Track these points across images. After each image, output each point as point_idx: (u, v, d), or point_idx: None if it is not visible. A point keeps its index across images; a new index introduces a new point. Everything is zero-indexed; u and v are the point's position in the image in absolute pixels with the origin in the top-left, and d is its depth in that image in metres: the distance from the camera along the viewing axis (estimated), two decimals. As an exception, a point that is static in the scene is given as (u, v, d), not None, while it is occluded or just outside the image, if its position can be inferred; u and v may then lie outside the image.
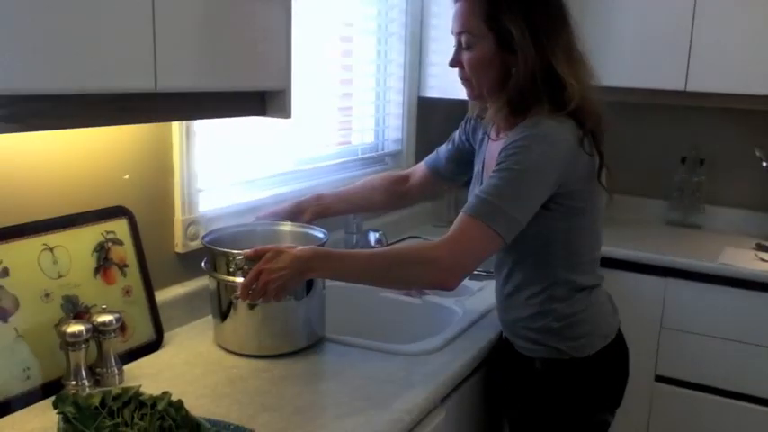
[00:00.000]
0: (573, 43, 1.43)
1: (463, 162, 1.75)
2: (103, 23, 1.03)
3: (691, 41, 2.54)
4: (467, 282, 2.07)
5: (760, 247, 2.57)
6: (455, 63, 1.49)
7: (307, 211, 1.77)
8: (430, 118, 2.67)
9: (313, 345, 1.57)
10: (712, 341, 2.40)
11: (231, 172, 1.88)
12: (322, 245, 1.54)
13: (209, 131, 1.76)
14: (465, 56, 1.46)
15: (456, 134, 1.77)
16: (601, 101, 1.44)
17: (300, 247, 1.39)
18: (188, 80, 1.20)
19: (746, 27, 2.46)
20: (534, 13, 1.39)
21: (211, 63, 1.23)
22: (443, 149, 1.80)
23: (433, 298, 1.93)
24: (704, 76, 2.53)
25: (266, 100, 1.41)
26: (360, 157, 2.44)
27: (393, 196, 1.88)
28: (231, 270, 1.47)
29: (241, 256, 1.43)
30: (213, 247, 1.52)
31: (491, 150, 1.54)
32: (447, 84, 2.57)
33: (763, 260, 2.42)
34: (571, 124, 1.39)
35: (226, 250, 1.49)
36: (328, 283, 1.62)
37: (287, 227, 1.72)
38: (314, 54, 2.13)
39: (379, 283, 1.48)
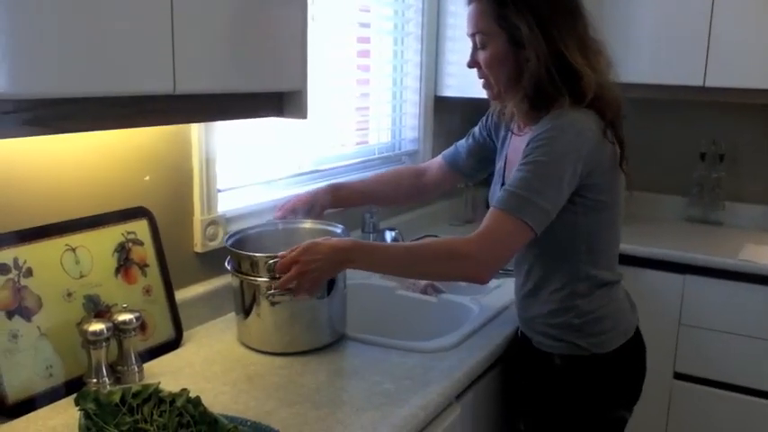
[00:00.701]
0: (587, 34, 1.45)
1: (483, 158, 1.76)
2: (124, 27, 1.06)
3: (709, 37, 2.52)
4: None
5: (780, 244, 2.55)
6: (472, 63, 1.52)
7: (323, 204, 1.76)
8: (447, 117, 2.68)
9: (334, 342, 1.59)
10: (731, 338, 2.38)
11: (250, 172, 1.91)
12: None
13: (228, 132, 1.78)
14: (480, 55, 1.48)
15: (476, 129, 1.78)
16: (619, 88, 1.46)
17: (337, 239, 1.42)
18: (206, 82, 1.22)
19: (764, 22, 2.43)
20: (543, 8, 1.40)
21: (229, 65, 1.25)
22: (463, 144, 1.81)
23: (450, 296, 1.93)
24: (722, 72, 2.51)
25: (283, 101, 1.43)
26: (377, 156, 2.45)
27: (409, 190, 1.89)
28: (255, 271, 1.48)
29: (274, 260, 1.42)
30: (236, 250, 1.53)
31: (515, 146, 1.56)
32: (464, 83, 2.57)
33: (783, 256, 2.40)
34: (593, 115, 1.41)
35: (255, 254, 1.49)
36: (349, 281, 1.64)
37: (307, 224, 1.74)
38: (331, 55, 2.15)
39: (414, 275, 1.50)
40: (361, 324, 1.71)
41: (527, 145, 1.40)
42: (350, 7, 2.22)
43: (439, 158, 1.86)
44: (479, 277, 1.38)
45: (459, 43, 2.56)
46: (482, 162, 1.77)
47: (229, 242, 1.57)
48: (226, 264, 1.56)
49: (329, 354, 1.54)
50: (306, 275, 1.37)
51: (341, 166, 2.26)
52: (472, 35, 1.49)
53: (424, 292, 1.97)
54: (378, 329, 1.70)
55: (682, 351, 2.45)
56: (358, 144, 2.41)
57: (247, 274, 1.51)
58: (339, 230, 1.67)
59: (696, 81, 2.54)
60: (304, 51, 1.40)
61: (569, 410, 1.55)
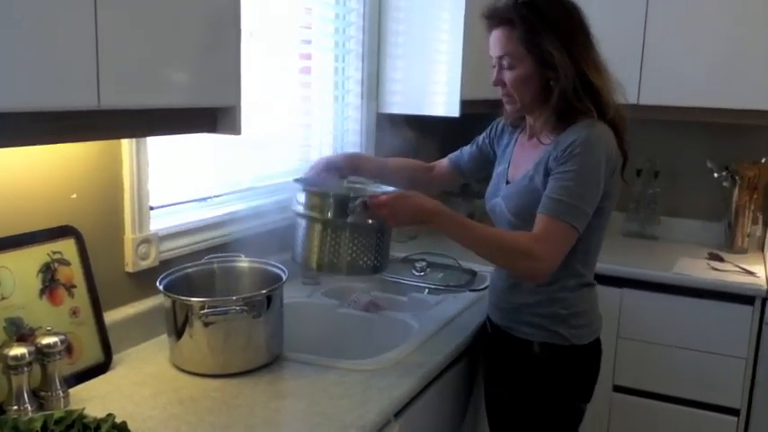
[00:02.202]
0: (599, 56, 1.60)
1: (482, 162, 1.90)
2: (43, 39, 1.02)
3: (642, 56, 2.60)
4: (425, 296, 2.08)
5: (712, 257, 2.62)
6: (498, 82, 1.63)
7: (348, 166, 1.86)
8: (390, 134, 2.67)
9: (269, 363, 1.56)
10: (668, 350, 2.43)
11: (185, 189, 1.86)
12: (281, 283, 1.60)
13: (162, 147, 1.74)
14: (507, 75, 1.60)
15: (480, 138, 1.92)
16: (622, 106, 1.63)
17: (428, 200, 1.54)
18: (133, 97, 1.19)
19: (696, 42, 2.52)
20: (566, 32, 1.55)
21: (157, 79, 1.22)
22: (467, 150, 1.95)
23: (391, 313, 1.93)
24: (656, 90, 2.59)
25: (217, 117, 1.40)
26: (318, 173, 2.43)
27: (420, 181, 1.98)
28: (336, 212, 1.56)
29: (359, 200, 1.53)
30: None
31: (523, 152, 1.70)
32: (407, 100, 2.59)
33: (714, 269, 2.47)
34: (609, 128, 1.57)
35: (339, 193, 1.60)
36: (288, 299, 1.62)
37: (245, 263, 1.73)
38: (272, 71, 2.13)
39: (483, 256, 1.59)
40: (301, 343, 1.69)
41: (561, 152, 1.52)
42: (291, 24, 2.21)
43: (445, 159, 2.00)
44: (541, 277, 1.55)
45: (401, 61, 2.58)
46: (481, 165, 1.91)
47: (163, 283, 1.54)
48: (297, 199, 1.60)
49: (265, 375, 1.51)
50: (392, 216, 1.53)
51: (281, 183, 2.23)
52: (499, 57, 1.60)
53: (366, 309, 1.96)
54: (319, 348, 1.68)
55: (620, 364, 2.50)
56: (300, 161, 2.38)
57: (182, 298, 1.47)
58: (279, 271, 1.66)
59: (630, 99, 2.60)
60: (238, 67, 1.38)
61: (542, 398, 1.65)
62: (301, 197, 1.62)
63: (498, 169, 1.78)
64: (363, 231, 1.58)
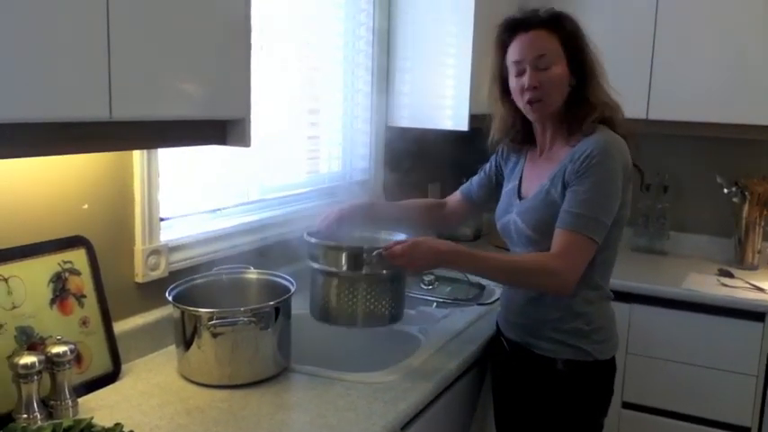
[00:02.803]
0: (605, 72, 1.64)
1: (493, 188, 1.89)
2: (57, 51, 1.03)
3: (651, 71, 2.60)
4: (433, 309, 2.08)
5: (722, 273, 2.61)
6: (534, 83, 1.60)
7: (358, 217, 1.86)
8: (398, 147, 2.69)
9: (277, 375, 1.56)
10: (677, 366, 2.42)
11: (195, 201, 1.88)
12: (290, 294, 1.61)
13: (172, 159, 1.76)
14: (543, 76, 1.59)
15: (488, 165, 1.92)
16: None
17: (442, 243, 1.57)
18: (145, 109, 1.20)
19: (704, 57, 2.53)
20: (590, 45, 1.61)
21: (169, 91, 1.24)
22: (476, 179, 1.95)
23: (397, 326, 1.92)
24: (665, 105, 2.59)
25: (227, 129, 1.42)
26: (327, 185, 2.45)
27: (434, 219, 2.01)
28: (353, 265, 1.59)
29: (375, 252, 1.54)
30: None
31: (536, 167, 1.70)
32: (416, 114, 2.60)
33: (724, 285, 2.45)
34: (624, 140, 1.60)
35: (356, 245, 1.61)
36: (295, 311, 1.62)
37: (253, 275, 1.74)
38: (282, 83, 2.14)
39: (507, 284, 1.67)
40: (308, 355, 1.68)
41: (577, 162, 1.53)
42: (300, 37, 2.22)
43: (457, 193, 2.01)
44: (567, 291, 1.54)
45: (410, 74, 2.59)
46: (491, 192, 1.90)
47: (172, 294, 1.55)
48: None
49: (272, 386, 1.52)
50: (409, 264, 1.56)
51: (290, 195, 2.24)
52: (536, 58, 1.59)
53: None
54: (325, 361, 1.68)
55: (629, 380, 2.48)
56: (308, 173, 2.40)
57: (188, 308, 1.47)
58: (287, 282, 1.67)
59: (639, 114, 2.62)
60: (248, 80, 1.39)
61: (566, 415, 1.64)
62: (315, 251, 1.63)
63: (508, 187, 1.78)
64: (379, 282, 1.59)
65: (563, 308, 1.62)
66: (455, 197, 1.99)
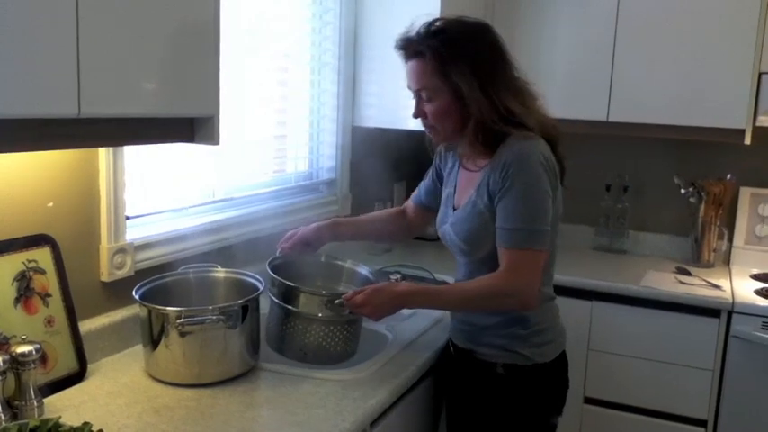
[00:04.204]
0: (514, 76, 1.58)
1: (439, 192, 1.84)
2: (24, 47, 1.02)
3: (611, 75, 2.66)
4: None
5: (679, 270, 2.68)
6: (418, 114, 1.61)
7: (325, 237, 1.86)
8: (364, 147, 2.70)
9: (245, 373, 1.56)
10: (637, 362, 2.48)
11: (161, 199, 1.86)
12: (258, 293, 1.60)
13: (139, 157, 1.74)
14: (427, 107, 1.58)
15: (431, 170, 1.88)
16: (550, 117, 1.62)
17: (399, 285, 1.62)
18: (113, 106, 1.20)
19: (663, 61, 2.59)
20: (479, 62, 1.52)
21: (137, 89, 1.23)
22: (423, 185, 1.91)
23: (366, 323, 1.93)
24: (624, 108, 2.65)
25: (195, 126, 1.42)
26: (294, 185, 2.45)
27: (398, 229, 1.99)
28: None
29: (338, 300, 1.56)
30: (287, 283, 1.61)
31: (466, 176, 1.67)
32: (381, 114, 2.62)
33: (682, 282, 2.52)
34: (541, 139, 1.55)
35: (314, 291, 1.63)
36: (262, 310, 1.62)
37: (221, 273, 1.74)
38: (250, 82, 2.14)
39: (470, 312, 1.67)
40: (277, 353, 1.68)
41: (496, 175, 1.51)
42: (268, 37, 2.22)
43: (410, 201, 1.97)
44: (529, 306, 1.54)
45: (376, 75, 2.60)
46: (438, 196, 1.84)
47: (139, 293, 1.53)
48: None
49: (240, 385, 1.52)
50: (372, 313, 1.56)
51: (256, 195, 2.24)
52: (417, 90, 1.58)
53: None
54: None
55: (591, 375, 2.53)
56: (275, 172, 2.40)
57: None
58: (255, 281, 1.67)
59: (600, 116, 2.68)
60: (216, 78, 1.39)
61: (511, 418, 1.63)
62: (274, 286, 1.62)
63: (445, 193, 1.76)
64: (336, 324, 1.60)
65: (500, 313, 1.61)
66: (409, 205, 1.96)
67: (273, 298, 1.63)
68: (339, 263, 1.85)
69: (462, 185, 1.68)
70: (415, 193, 1.95)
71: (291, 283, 1.60)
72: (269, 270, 1.65)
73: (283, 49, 2.35)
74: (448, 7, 2.45)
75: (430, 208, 1.89)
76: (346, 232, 1.92)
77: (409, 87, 1.60)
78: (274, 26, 2.25)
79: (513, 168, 1.49)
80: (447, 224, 1.68)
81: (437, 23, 1.56)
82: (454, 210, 1.67)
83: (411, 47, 1.56)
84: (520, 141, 1.52)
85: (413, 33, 1.57)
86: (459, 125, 1.57)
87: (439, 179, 1.84)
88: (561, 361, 1.68)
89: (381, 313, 1.58)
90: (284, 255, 1.79)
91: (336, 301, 1.56)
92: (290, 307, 1.59)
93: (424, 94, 1.57)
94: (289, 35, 2.35)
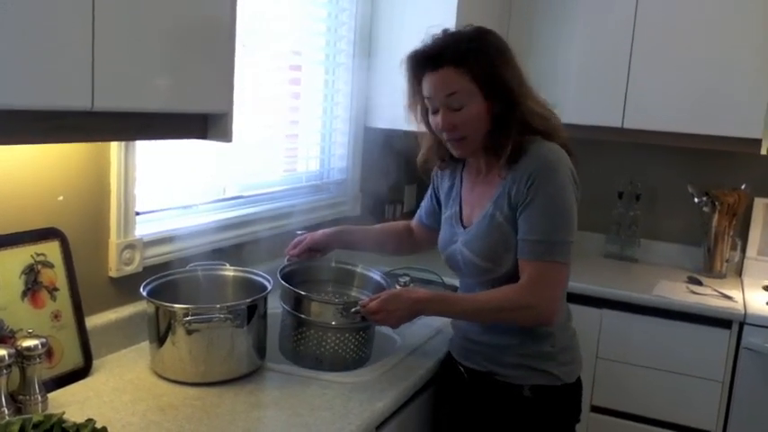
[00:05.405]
0: (531, 85, 1.55)
1: (438, 213, 1.79)
2: (39, 38, 1.01)
3: (627, 82, 2.64)
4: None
5: (691, 280, 2.66)
6: (448, 126, 1.51)
7: (332, 245, 1.86)
8: (376, 148, 2.69)
9: (252, 373, 1.55)
10: (645, 371, 2.45)
11: (171, 196, 1.86)
12: (266, 292, 1.59)
13: (150, 153, 1.73)
14: (457, 117, 1.50)
15: (429, 190, 1.84)
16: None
17: (417, 291, 1.59)
18: (127, 100, 1.18)
19: (679, 69, 2.57)
20: (507, 67, 1.50)
21: (152, 84, 1.22)
22: (424, 206, 1.87)
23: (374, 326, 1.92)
24: (640, 115, 2.63)
25: (208, 123, 1.40)
26: (305, 184, 2.44)
27: (406, 246, 1.96)
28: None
29: (355, 308, 1.56)
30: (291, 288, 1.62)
31: (475, 191, 1.61)
32: (394, 115, 2.59)
33: (693, 292, 2.50)
34: (563, 149, 1.52)
35: (333, 300, 1.65)
36: (270, 310, 1.61)
37: (229, 272, 1.73)
38: (263, 81, 2.13)
39: (484, 322, 1.60)
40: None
41: (521, 185, 1.46)
42: (282, 36, 2.21)
43: (413, 221, 1.93)
44: (547, 321, 1.50)
45: (390, 76, 2.58)
46: (439, 217, 1.78)
47: (146, 289, 1.52)
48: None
49: (246, 385, 1.50)
50: (389, 319, 1.55)
51: (266, 193, 2.23)
52: (446, 96, 1.49)
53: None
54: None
55: (599, 384, 2.51)
56: (286, 171, 2.39)
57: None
58: (264, 280, 1.66)
59: (615, 123, 2.65)
60: (231, 75, 1.38)
61: None
62: (286, 295, 1.62)
63: (447, 213, 1.69)
64: (350, 330, 1.59)
65: (525, 330, 1.54)
66: (415, 225, 1.91)
67: (286, 306, 1.62)
68: (350, 267, 1.84)
69: (473, 201, 1.61)
70: (416, 215, 1.91)
71: (303, 293, 1.60)
72: (280, 279, 1.64)
73: (297, 47, 2.33)
74: (464, 10, 2.43)
75: (432, 228, 1.83)
76: (353, 240, 1.90)
77: (430, 100, 1.53)
78: (288, 25, 2.23)
79: (539, 179, 1.45)
80: (457, 243, 1.61)
81: (462, 31, 1.53)
82: (464, 228, 1.61)
83: (442, 57, 1.48)
84: (544, 150, 1.49)
85: (438, 43, 1.51)
86: (489, 134, 1.51)
87: (438, 200, 1.78)
88: (581, 381, 1.64)
89: (400, 320, 1.56)
90: (292, 262, 1.79)
91: (353, 310, 1.55)
92: (303, 316, 1.59)
93: (455, 102, 1.49)
94: (303, 34, 2.34)
